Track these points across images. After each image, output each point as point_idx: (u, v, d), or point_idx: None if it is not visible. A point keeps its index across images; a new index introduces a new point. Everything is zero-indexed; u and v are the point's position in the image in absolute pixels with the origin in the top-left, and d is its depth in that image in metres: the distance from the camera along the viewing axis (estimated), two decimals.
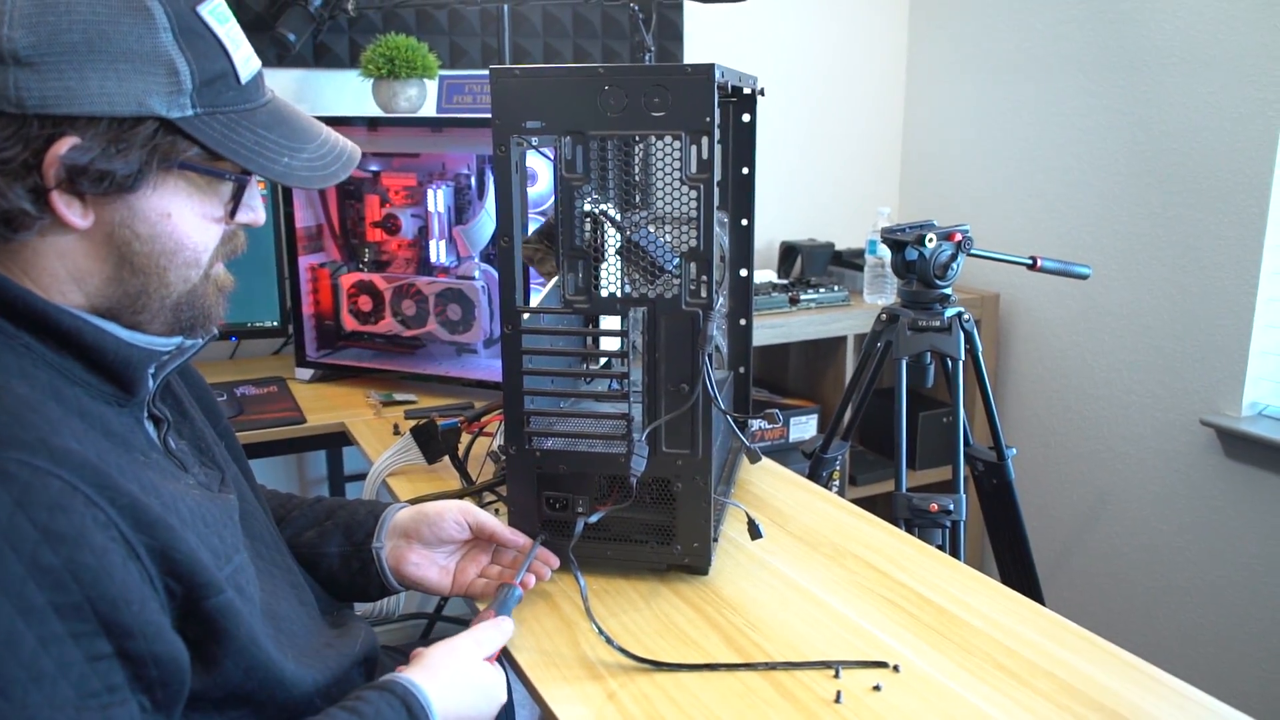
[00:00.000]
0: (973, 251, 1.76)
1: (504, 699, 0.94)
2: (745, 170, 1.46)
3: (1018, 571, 1.98)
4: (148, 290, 0.79)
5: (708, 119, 1.04)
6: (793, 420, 2.57)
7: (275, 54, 2.20)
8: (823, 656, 0.99)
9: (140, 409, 0.84)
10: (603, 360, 1.44)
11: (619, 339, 1.14)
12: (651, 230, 1.15)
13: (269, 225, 1.98)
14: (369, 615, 1.22)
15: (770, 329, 2.40)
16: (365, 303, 1.96)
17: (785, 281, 2.65)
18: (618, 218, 1.18)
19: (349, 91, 2.31)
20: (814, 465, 1.96)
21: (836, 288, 2.57)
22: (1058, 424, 2.61)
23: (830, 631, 1.04)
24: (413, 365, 1.96)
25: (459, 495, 1.35)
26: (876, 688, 0.94)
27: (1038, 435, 2.66)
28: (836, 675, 0.96)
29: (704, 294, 1.08)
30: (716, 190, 1.06)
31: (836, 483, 2.09)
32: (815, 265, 2.71)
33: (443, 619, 1.42)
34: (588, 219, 1.13)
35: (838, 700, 0.92)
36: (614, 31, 2.57)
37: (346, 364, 2.00)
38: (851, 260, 2.74)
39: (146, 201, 0.77)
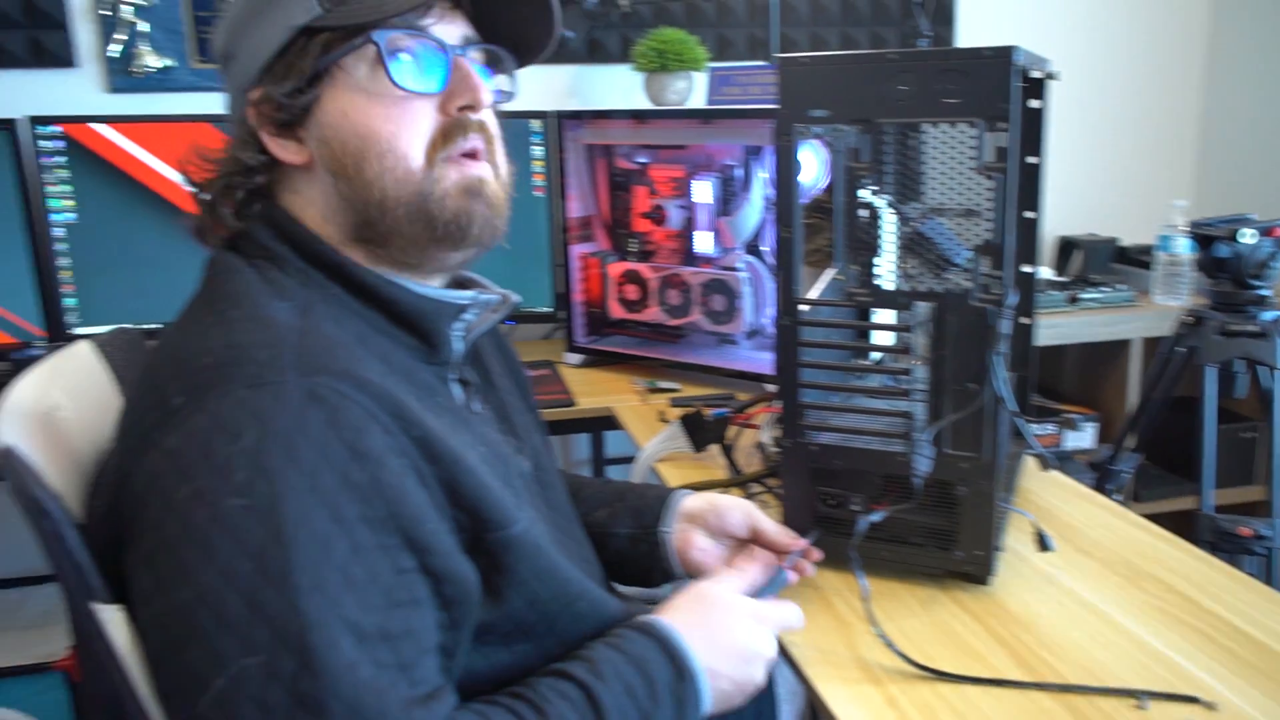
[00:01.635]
0: None
1: (763, 667, 0.90)
2: (1032, 160, 1.37)
3: None
4: (367, 201, 0.82)
5: (1005, 105, 0.98)
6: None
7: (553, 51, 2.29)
8: (1123, 684, 0.91)
9: (448, 369, 0.88)
10: (876, 355, 1.40)
11: (895, 334, 1.10)
12: (941, 222, 1.10)
13: (544, 216, 2.08)
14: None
15: (1046, 329, 2.25)
16: (632, 291, 2.01)
17: (1064, 279, 2.49)
18: (901, 209, 1.14)
19: (619, 85, 2.38)
20: (1100, 477, 1.82)
21: (1121, 286, 2.38)
22: None
23: (1130, 658, 0.96)
24: (675, 354, 1.99)
25: (725, 486, 1.36)
26: None
27: None
28: (1142, 706, 0.88)
29: (997, 290, 1.02)
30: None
31: (1119, 497, 1.94)
32: (1096, 262, 2.53)
33: None
34: (868, 209, 1.10)
35: None
36: (883, 18, 2.50)
37: (613, 350, 2.06)
38: (1137, 257, 2.53)
39: (325, 111, 0.82)
